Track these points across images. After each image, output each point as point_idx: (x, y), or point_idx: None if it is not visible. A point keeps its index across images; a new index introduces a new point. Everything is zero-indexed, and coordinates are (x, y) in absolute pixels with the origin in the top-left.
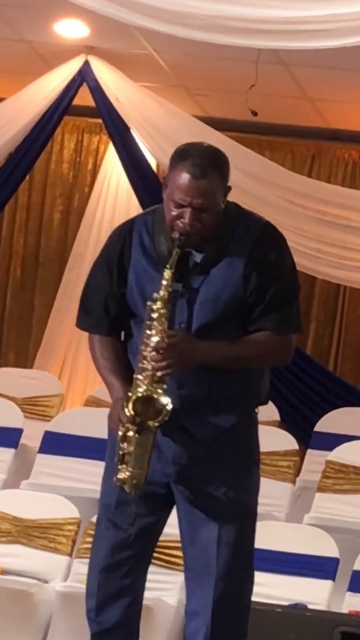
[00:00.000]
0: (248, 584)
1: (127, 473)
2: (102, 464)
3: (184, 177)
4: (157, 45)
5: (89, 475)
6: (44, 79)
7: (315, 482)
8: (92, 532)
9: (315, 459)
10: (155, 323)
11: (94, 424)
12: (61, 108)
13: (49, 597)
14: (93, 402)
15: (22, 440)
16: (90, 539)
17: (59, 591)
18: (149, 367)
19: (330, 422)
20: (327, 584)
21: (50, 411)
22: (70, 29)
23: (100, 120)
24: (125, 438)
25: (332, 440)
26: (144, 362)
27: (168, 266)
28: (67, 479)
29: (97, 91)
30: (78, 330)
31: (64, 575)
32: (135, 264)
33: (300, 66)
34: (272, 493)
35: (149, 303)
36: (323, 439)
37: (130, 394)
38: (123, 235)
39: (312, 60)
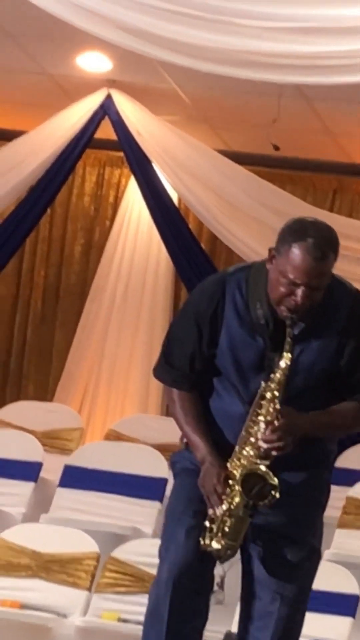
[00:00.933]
0: (301, 625)
1: (222, 543)
2: (122, 498)
3: (305, 259)
4: (179, 78)
5: (108, 509)
6: (66, 112)
7: (336, 518)
8: (111, 567)
9: (335, 495)
10: (266, 403)
11: (114, 458)
12: (83, 141)
13: (68, 632)
14: (113, 435)
15: (42, 474)
16: (109, 574)
17: (78, 626)
18: (259, 444)
19: (350, 458)
20: (347, 621)
21: (70, 445)
22: (93, 62)
23: (121, 154)
24: (229, 512)
25: (353, 476)
26: (249, 437)
27: (287, 352)
28: (86, 513)
29: (119, 124)
30: (98, 363)
31: (83, 610)
32: (229, 328)
33: (323, 101)
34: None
35: (263, 385)
36: (343, 475)
37: (233, 469)
38: (217, 297)
39: (334, 95)
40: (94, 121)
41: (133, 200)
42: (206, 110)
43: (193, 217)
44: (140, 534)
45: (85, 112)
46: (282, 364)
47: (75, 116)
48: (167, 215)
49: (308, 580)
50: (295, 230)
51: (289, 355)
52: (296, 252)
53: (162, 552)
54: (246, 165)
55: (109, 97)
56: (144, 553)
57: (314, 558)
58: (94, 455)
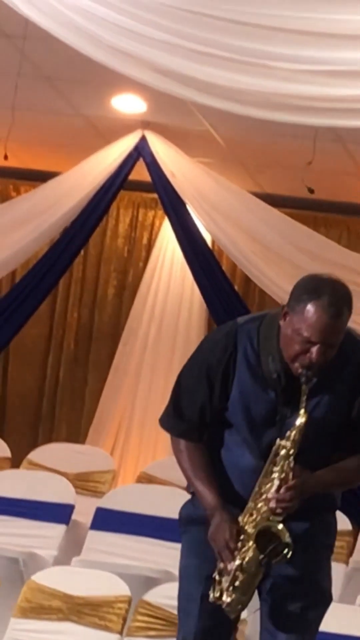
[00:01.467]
0: None
1: (233, 597)
2: (154, 541)
3: (321, 317)
4: (213, 120)
5: (140, 552)
6: (101, 153)
7: None
8: (143, 610)
9: None
10: (281, 460)
11: (146, 501)
12: (117, 183)
13: None
14: (145, 478)
15: (74, 517)
16: (140, 617)
17: None
18: (271, 502)
19: None
20: None
21: (102, 487)
22: (127, 104)
23: (155, 195)
24: (241, 568)
25: None
26: (262, 493)
27: (303, 409)
28: (118, 556)
29: (153, 166)
30: (131, 406)
31: None
32: (241, 381)
33: (358, 143)
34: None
35: (279, 443)
36: None
37: (247, 525)
38: (229, 349)
39: None
40: (128, 163)
41: (167, 242)
42: (240, 152)
43: (226, 259)
44: (172, 577)
45: (120, 153)
46: (298, 422)
47: (109, 158)
48: (200, 257)
49: (317, 623)
50: (310, 289)
51: (305, 413)
52: (312, 310)
53: (180, 618)
54: (280, 207)
55: (143, 139)
56: (176, 597)
57: (325, 601)
58: (126, 498)
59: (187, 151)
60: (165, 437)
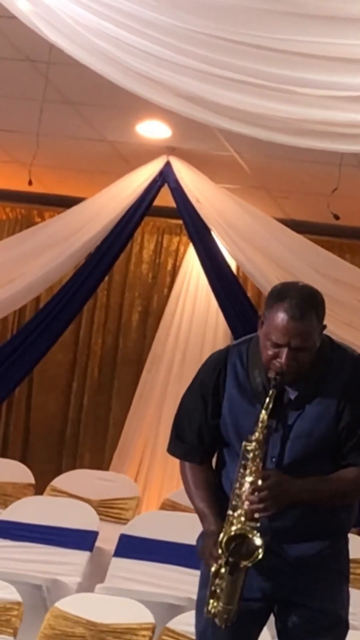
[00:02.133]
0: None
1: (219, 608)
2: (178, 568)
3: (283, 319)
4: (238, 146)
5: (164, 579)
6: (126, 179)
7: None
8: (167, 638)
9: None
10: (249, 463)
11: (170, 528)
12: (142, 209)
13: None
14: (169, 505)
15: (98, 543)
16: None
17: None
18: (244, 506)
19: None
20: None
21: (126, 514)
22: (152, 130)
23: (180, 221)
24: (217, 574)
25: None
26: (237, 499)
27: (264, 409)
28: (142, 583)
29: (178, 192)
30: (155, 432)
31: None
32: (230, 397)
33: None
34: (351, 601)
35: (244, 443)
36: None
37: (222, 532)
38: (219, 367)
39: None
40: (153, 188)
41: (191, 268)
42: (265, 178)
43: (251, 285)
44: None
45: (145, 179)
46: (260, 423)
47: (134, 183)
48: (225, 284)
49: None
50: (276, 294)
51: (264, 412)
52: (276, 313)
53: None
54: (305, 234)
55: (168, 165)
56: None
57: (340, 628)
58: (150, 525)
59: (211, 177)
60: None
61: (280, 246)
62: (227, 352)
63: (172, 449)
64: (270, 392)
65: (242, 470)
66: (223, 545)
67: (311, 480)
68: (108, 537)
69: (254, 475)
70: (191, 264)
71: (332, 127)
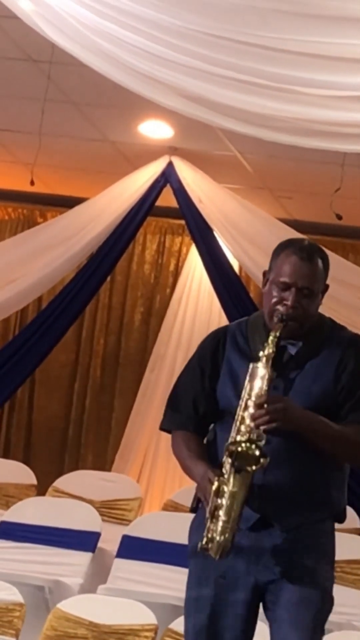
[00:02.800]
0: None
1: (216, 532)
2: (180, 569)
3: (292, 259)
4: (241, 146)
5: (166, 580)
6: (128, 179)
7: None
8: (169, 639)
9: None
10: (255, 385)
11: (172, 529)
12: (144, 209)
13: None
14: (172, 506)
15: (100, 544)
16: None
17: None
18: (250, 423)
19: None
20: None
21: (129, 515)
22: (155, 130)
23: (182, 222)
24: (218, 491)
25: None
26: (243, 420)
27: (272, 342)
28: (144, 584)
29: (181, 192)
30: (158, 433)
31: None
32: (229, 360)
33: None
34: (352, 602)
35: (252, 364)
36: None
37: (229, 440)
38: (218, 336)
39: None
40: (155, 189)
41: (194, 268)
42: (268, 178)
43: (254, 285)
44: None
45: (147, 179)
46: (266, 344)
47: (136, 183)
48: (228, 284)
49: (319, 618)
50: (283, 244)
51: (274, 334)
52: (284, 256)
53: None
54: (308, 233)
55: (170, 165)
56: None
57: (325, 598)
58: (152, 525)
59: (214, 177)
60: None
61: None
62: (226, 327)
63: (166, 423)
64: (272, 335)
65: (248, 390)
66: (228, 449)
67: (316, 415)
68: (110, 538)
69: (259, 398)
70: (194, 264)
71: (335, 127)
